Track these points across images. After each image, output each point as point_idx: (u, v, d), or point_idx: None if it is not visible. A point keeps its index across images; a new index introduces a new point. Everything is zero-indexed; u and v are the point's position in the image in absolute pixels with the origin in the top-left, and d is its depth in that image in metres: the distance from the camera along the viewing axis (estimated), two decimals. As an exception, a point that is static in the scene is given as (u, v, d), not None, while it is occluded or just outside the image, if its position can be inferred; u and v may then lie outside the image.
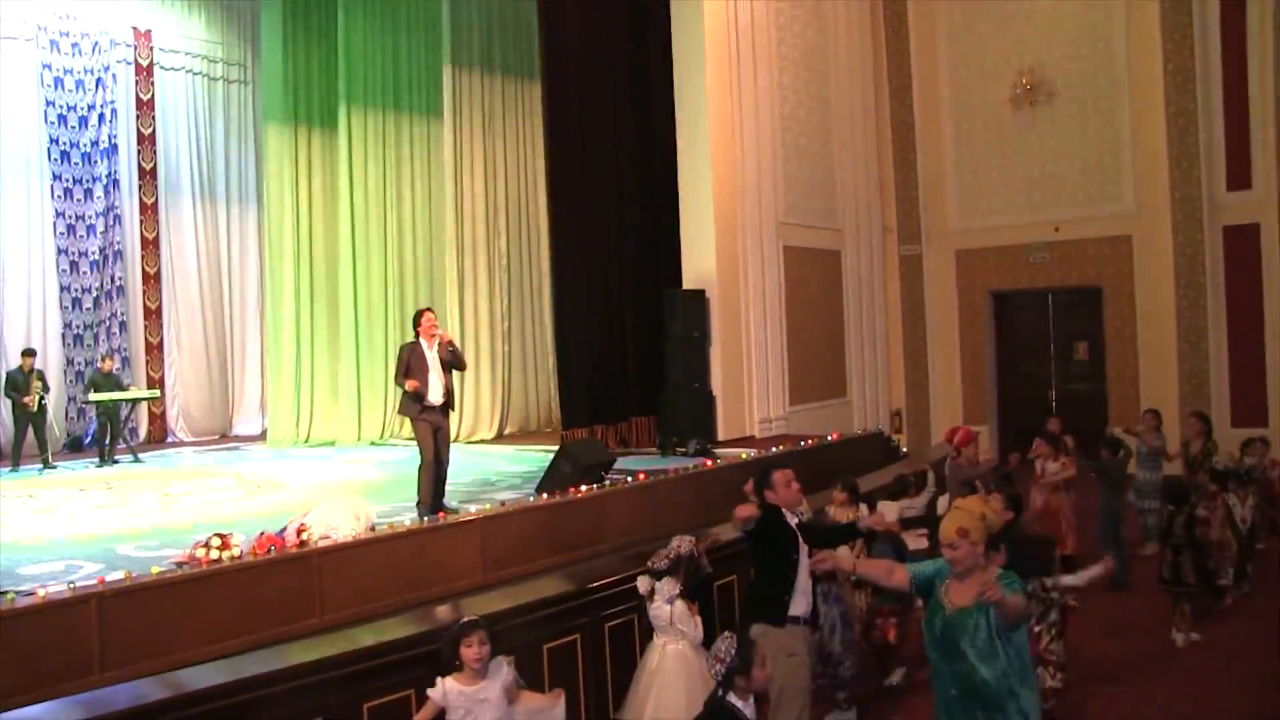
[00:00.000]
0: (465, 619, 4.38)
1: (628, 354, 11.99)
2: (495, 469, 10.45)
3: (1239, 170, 13.03)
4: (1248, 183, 12.97)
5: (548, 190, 12.32)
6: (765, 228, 12.60)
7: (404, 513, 7.48)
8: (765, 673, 4.15)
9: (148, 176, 14.42)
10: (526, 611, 5.51)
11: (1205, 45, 13.05)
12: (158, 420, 14.42)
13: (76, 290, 13.54)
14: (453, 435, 8.91)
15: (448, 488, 7.95)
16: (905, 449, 13.26)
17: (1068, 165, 14.26)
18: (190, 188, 14.85)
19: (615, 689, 5.70)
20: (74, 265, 13.52)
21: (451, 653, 4.26)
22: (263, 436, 14.14)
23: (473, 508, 7.46)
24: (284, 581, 5.74)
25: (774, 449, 10.56)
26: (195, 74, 14.95)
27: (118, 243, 13.93)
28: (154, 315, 14.50)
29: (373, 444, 13.37)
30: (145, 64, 14.45)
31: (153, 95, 14.50)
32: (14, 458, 11.51)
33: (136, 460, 11.96)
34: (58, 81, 13.43)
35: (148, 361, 14.40)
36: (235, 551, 5.72)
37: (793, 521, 5.21)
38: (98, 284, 13.66)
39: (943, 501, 7.84)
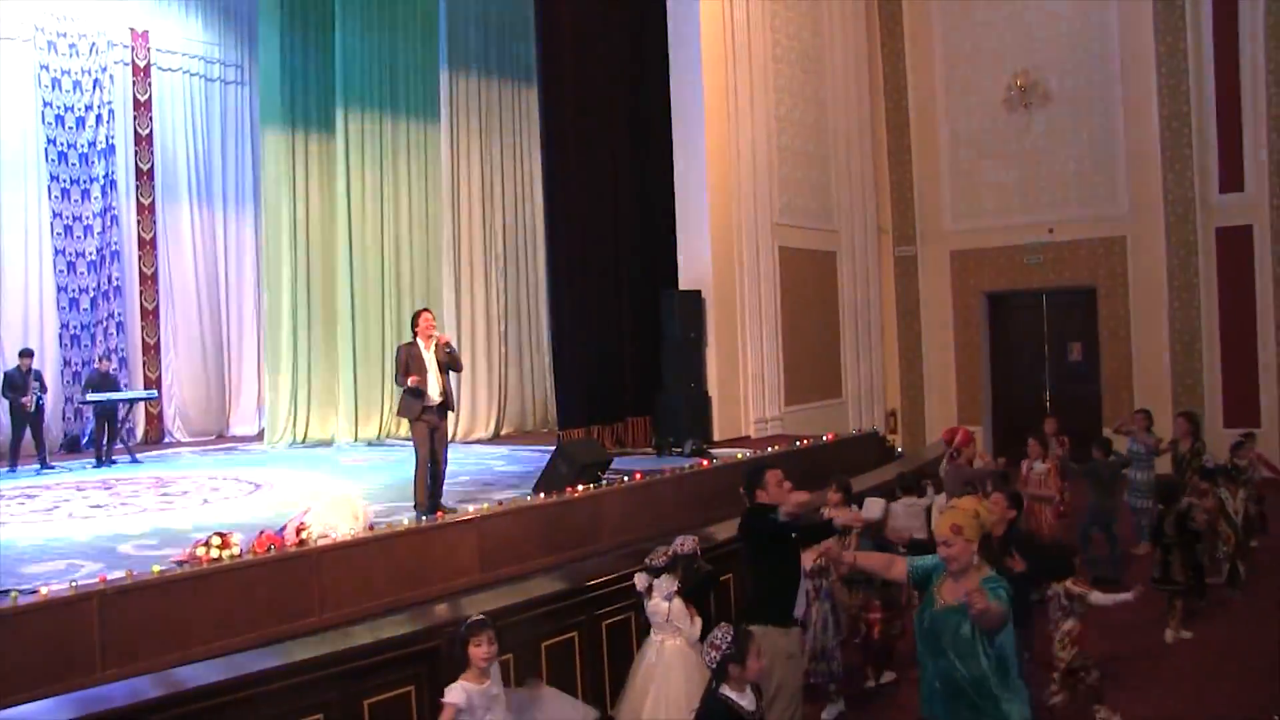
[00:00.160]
0: (473, 618, 4.40)
1: (624, 354, 12.04)
2: (492, 469, 10.49)
3: (1231, 172, 13.12)
4: (1240, 185, 13.08)
5: (544, 192, 12.35)
6: (761, 229, 12.67)
7: (401, 512, 7.52)
8: (760, 663, 4.16)
9: (145, 177, 14.42)
10: (524, 610, 5.55)
11: (1198, 48, 13.14)
12: (155, 420, 14.41)
13: (74, 290, 13.55)
14: (450, 435, 8.95)
15: (445, 487, 7.97)
16: (900, 449, 13.33)
17: (1062, 167, 14.33)
18: (187, 189, 14.85)
19: (613, 686, 5.74)
20: (71, 266, 13.52)
21: (459, 652, 4.26)
22: (259, 436, 14.16)
23: (470, 507, 7.52)
24: (284, 580, 5.80)
25: (769, 449, 10.62)
26: (192, 75, 14.95)
27: (115, 243, 13.92)
28: (151, 316, 14.49)
29: (369, 444, 13.41)
30: (143, 65, 14.45)
31: (150, 96, 14.49)
32: (12, 458, 11.53)
33: (134, 460, 11.98)
34: (55, 82, 13.42)
35: (145, 362, 14.39)
36: (235, 550, 5.79)
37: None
38: (95, 284, 13.66)
39: (940, 501, 7.89)
